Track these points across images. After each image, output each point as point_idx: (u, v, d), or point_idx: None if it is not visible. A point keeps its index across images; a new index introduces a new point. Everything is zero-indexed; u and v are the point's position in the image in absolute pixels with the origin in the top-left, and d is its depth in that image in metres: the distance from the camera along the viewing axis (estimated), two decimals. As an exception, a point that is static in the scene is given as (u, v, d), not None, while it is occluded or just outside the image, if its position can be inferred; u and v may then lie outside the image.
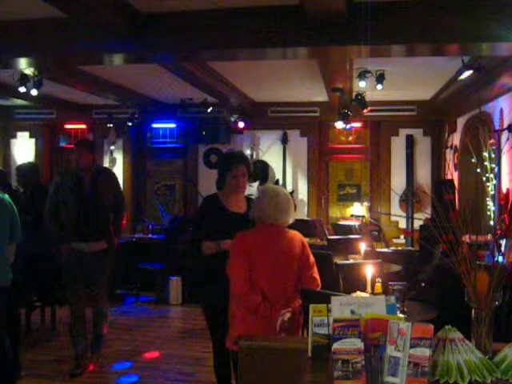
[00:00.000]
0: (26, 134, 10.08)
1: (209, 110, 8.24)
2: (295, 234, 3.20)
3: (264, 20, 4.32)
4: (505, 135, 5.75)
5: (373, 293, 3.41)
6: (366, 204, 9.21)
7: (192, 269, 5.49)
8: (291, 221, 3.20)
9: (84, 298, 4.67)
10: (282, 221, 3.13)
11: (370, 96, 6.94)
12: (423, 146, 9.02)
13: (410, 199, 8.74)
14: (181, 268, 7.39)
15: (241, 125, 8.84)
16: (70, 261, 4.62)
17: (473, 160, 6.04)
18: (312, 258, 3.20)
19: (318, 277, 3.20)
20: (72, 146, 9.81)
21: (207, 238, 3.54)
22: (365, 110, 7.09)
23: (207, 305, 3.72)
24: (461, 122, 7.76)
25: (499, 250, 1.94)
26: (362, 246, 5.50)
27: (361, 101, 6.95)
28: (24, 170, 5.71)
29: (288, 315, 2.97)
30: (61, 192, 4.61)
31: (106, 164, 9.49)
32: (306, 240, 3.27)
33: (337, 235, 7.20)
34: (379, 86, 6.14)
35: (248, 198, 3.67)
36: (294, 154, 9.34)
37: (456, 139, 7.98)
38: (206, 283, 3.66)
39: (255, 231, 3.17)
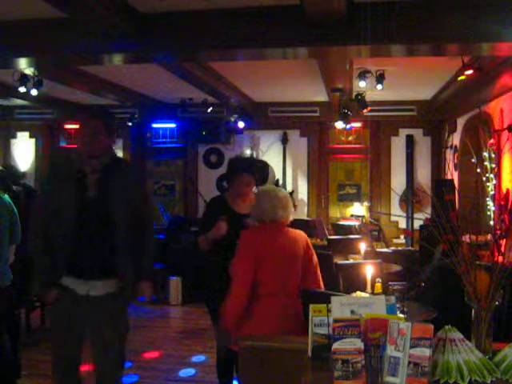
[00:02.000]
0: (26, 133, 10.09)
1: (209, 110, 8.25)
2: (300, 235, 3.18)
3: (264, 20, 4.32)
4: (505, 135, 5.74)
5: (373, 293, 3.41)
6: (366, 204, 9.21)
7: (196, 269, 5.50)
8: (290, 218, 3.19)
9: (76, 374, 2.96)
10: (279, 217, 3.10)
11: (370, 96, 6.94)
12: (423, 146, 9.03)
13: (410, 199, 8.74)
14: (182, 268, 7.39)
15: (241, 125, 8.84)
16: (57, 311, 2.89)
17: (473, 160, 6.04)
18: (315, 260, 3.18)
19: (320, 279, 3.19)
20: (71, 145, 9.88)
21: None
22: (365, 110, 7.09)
23: (212, 305, 3.72)
24: (461, 122, 7.75)
25: (499, 250, 1.94)
26: (362, 246, 5.50)
27: (361, 101, 6.95)
28: (16, 170, 5.71)
29: None
30: (53, 196, 2.87)
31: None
32: (310, 241, 3.26)
33: (337, 235, 7.20)
34: (379, 86, 6.14)
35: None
36: (293, 154, 9.34)
37: (456, 139, 7.98)
38: (211, 283, 3.66)
39: (259, 230, 3.16)
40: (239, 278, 3.04)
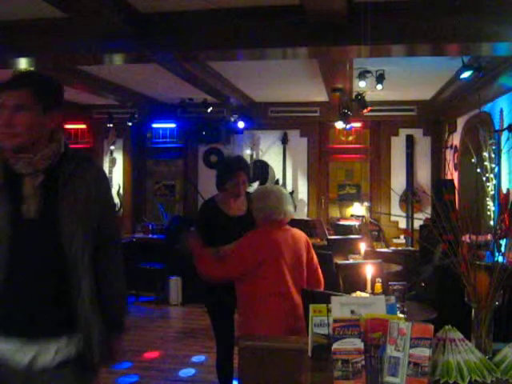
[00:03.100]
0: (26, 134, 10.06)
1: (209, 110, 8.25)
2: (300, 234, 3.20)
3: (264, 20, 4.32)
4: (505, 135, 5.74)
5: (373, 293, 3.41)
6: (366, 204, 9.20)
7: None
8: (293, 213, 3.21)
9: None
10: (288, 213, 3.13)
11: (370, 96, 6.94)
12: (423, 146, 9.02)
13: (410, 199, 8.74)
14: (182, 268, 7.39)
15: (241, 125, 8.84)
16: None
17: (473, 160, 6.03)
18: (316, 260, 3.20)
19: (321, 278, 3.21)
20: (72, 145, 9.82)
21: (209, 242, 3.54)
22: (365, 110, 7.09)
23: (212, 304, 3.72)
24: (461, 122, 7.75)
25: (499, 250, 1.94)
26: (362, 246, 5.50)
27: (361, 101, 6.95)
28: None
29: None
30: None
31: (106, 165, 9.34)
32: (309, 240, 3.27)
33: (337, 235, 7.20)
34: (379, 86, 6.14)
35: (248, 194, 3.65)
36: (293, 154, 9.33)
37: (456, 139, 7.98)
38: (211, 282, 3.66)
39: (266, 230, 3.14)
40: (233, 265, 3.04)
